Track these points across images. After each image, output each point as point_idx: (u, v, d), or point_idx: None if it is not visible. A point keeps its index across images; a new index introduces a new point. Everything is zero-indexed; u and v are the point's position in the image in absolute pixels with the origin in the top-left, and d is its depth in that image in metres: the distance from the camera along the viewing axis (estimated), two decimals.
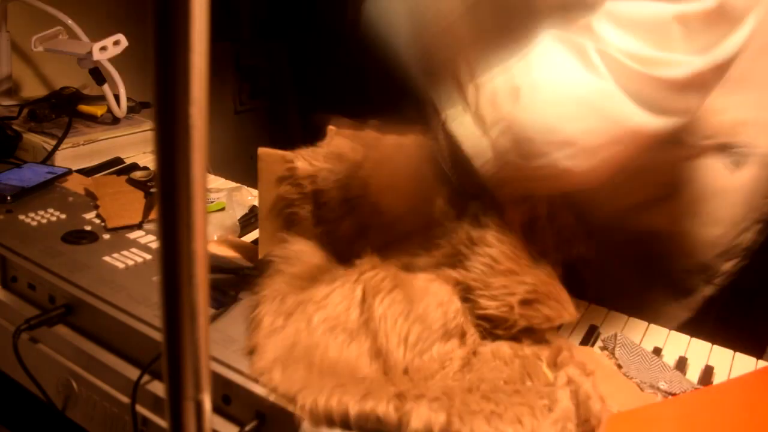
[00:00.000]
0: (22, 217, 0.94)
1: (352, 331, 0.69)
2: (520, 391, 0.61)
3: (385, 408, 0.58)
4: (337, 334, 0.69)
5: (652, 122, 0.66)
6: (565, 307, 0.74)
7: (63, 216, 0.96)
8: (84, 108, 1.32)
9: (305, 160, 0.81)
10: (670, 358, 0.79)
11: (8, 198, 0.98)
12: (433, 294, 0.71)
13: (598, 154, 0.66)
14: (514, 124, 0.66)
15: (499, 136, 0.67)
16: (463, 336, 0.69)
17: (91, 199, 1.02)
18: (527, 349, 0.69)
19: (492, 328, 0.71)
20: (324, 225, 0.81)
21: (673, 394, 0.70)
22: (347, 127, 0.89)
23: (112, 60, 1.26)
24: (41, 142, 1.19)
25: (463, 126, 0.70)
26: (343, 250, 0.80)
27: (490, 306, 0.70)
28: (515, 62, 0.68)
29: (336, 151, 0.82)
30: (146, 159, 1.26)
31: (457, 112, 0.71)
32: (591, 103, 0.65)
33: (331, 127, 0.89)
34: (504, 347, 0.70)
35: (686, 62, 0.64)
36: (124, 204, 0.99)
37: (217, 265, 0.79)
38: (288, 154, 0.81)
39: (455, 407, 0.57)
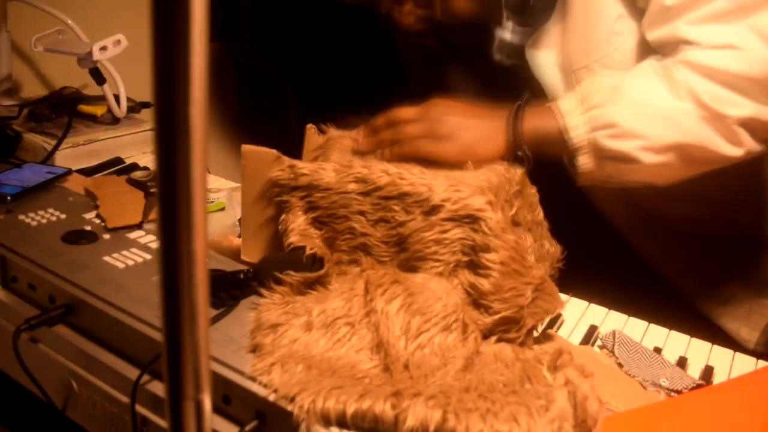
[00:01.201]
0: (22, 217, 0.94)
1: (353, 324, 0.69)
2: (518, 392, 0.61)
3: (382, 406, 0.58)
4: (338, 328, 0.69)
5: (728, 150, 0.82)
6: (556, 299, 0.75)
7: (63, 216, 0.96)
8: (84, 108, 1.31)
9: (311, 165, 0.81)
10: (670, 358, 0.79)
11: (8, 198, 0.98)
12: (432, 289, 0.71)
13: (665, 154, 0.82)
14: (607, 109, 0.83)
15: (593, 116, 0.83)
16: (464, 331, 0.69)
17: (91, 199, 1.01)
18: (529, 353, 0.69)
19: (504, 333, 0.72)
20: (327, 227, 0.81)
21: (676, 391, 0.70)
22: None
23: (112, 60, 1.26)
24: (41, 142, 1.19)
25: (569, 105, 0.86)
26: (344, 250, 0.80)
27: (502, 309, 0.71)
28: (621, 74, 0.88)
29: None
30: (146, 159, 1.26)
31: (568, 99, 0.87)
32: (669, 115, 0.82)
33: (310, 126, 0.92)
34: (506, 350, 0.70)
35: (749, 105, 0.80)
36: (124, 204, 0.98)
37: (217, 271, 0.79)
38: (273, 151, 0.82)
39: (451, 405, 0.57)
